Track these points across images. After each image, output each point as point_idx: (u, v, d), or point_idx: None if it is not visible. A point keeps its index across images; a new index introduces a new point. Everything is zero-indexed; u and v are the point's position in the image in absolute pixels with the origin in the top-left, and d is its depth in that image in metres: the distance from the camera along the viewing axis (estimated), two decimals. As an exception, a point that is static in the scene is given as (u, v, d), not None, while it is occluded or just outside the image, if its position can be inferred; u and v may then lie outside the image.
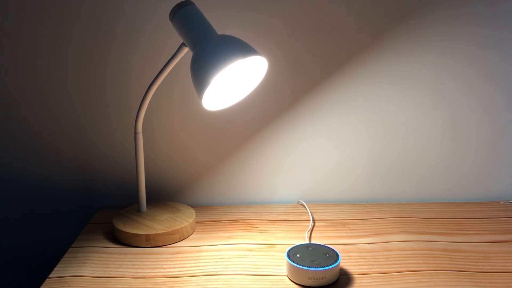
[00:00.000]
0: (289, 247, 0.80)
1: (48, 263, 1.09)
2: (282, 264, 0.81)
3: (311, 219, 0.98)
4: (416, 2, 0.94)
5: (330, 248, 0.80)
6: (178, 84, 0.98)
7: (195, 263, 0.82)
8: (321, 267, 0.75)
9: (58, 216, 1.06)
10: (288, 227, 0.95)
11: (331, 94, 0.99)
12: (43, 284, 0.77)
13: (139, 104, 0.89)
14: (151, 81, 0.87)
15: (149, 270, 0.80)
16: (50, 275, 0.79)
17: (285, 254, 0.79)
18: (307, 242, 0.88)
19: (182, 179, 1.04)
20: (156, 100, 0.98)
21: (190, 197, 1.06)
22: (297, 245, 0.81)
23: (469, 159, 1.03)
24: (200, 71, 0.73)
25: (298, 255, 0.78)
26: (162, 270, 0.80)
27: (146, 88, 0.87)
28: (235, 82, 0.82)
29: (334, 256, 0.78)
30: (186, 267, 0.81)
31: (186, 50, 0.81)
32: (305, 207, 1.03)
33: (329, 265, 0.75)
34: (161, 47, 0.95)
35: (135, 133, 0.90)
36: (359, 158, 1.03)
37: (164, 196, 1.05)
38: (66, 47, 0.96)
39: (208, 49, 0.74)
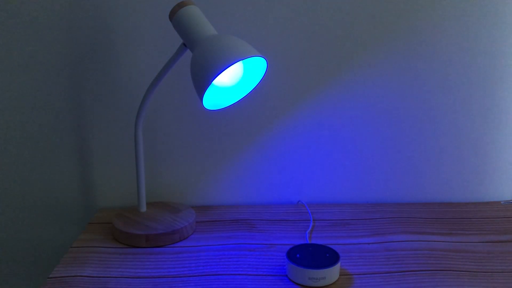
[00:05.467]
0: (289, 247, 0.80)
1: (48, 263, 1.09)
2: (282, 264, 0.81)
3: (311, 219, 0.98)
4: (419, 2, 0.94)
5: (330, 248, 0.80)
6: (178, 84, 0.98)
7: (195, 263, 0.82)
8: (321, 267, 0.75)
9: (58, 216, 1.06)
10: (288, 227, 0.95)
11: (331, 94, 0.99)
12: (43, 284, 0.77)
13: (139, 104, 0.89)
14: (151, 81, 0.87)
15: (149, 270, 0.80)
16: (50, 275, 0.79)
17: (285, 254, 0.79)
18: (307, 242, 0.88)
19: (182, 179, 1.04)
20: (156, 100, 0.99)
21: (190, 197, 1.05)
22: (297, 245, 0.81)
23: (469, 159, 1.03)
24: (200, 71, 0.74)
25: (298, 255, 0.78)
26: (162, 270, 0.80)
27: (146, 88, 0.87)
28: (235, 82, 0.82)
29: (334, 256, 0.78)
30: (186, 267, 0.81)
31: (186, 50, 0.81)
32: (305, 207, 1.03)
33: (329, 265, 0.75)
34: (161, 47, 0.95)
35: (135, 133, 0.90)
36: (359, 158, 1.03)
37: (164, 196, 1.05)
38: (66, 47, 0.96)
39: (208, 49, 0.74)
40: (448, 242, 0.88)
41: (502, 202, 1.05)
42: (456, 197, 1.06)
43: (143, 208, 0.96)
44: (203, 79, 0.73)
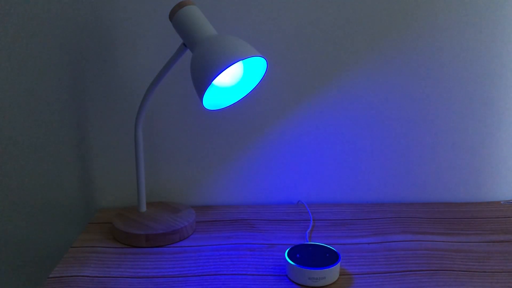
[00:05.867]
0: (289, 247, 0.80)
1: (48, 263, 1.09)
2: (282, 264, 0.81)
3: (311, 219, 0.98)
4: (419, 2, 0.94)
5: (330, 248, 0.80)
6: (178, 84, 0.98)
7: (195, 263, 0.82)
8: (321, 267, 0.75)
9: (58, 216, 1.06)
10: (288, 227, 0.95)
11: (331, 94, 0.99)
12: (43, 284, 0.76)
13: (139, 104, 0.89)
14: (151, 81, 0.87)
15: (149, 270, 0.80)
16: (50, 275, 0.79)
17: (285, 254, 0.79)
18: (307, 242, 0.88)
19: (182, 179, 1.04)
20: (156, 100, 0.99)
21: (190, 197, 1.06)
22: (297, 245, 0.81)
23: (469, 159, 1.03)
24: (200, 71, 0.74)
25: (298, 255, 0.78)
26: (162, 270, 0.80)
27: (146, 88, 0.87)
28: (235, 82, 0.82)
29: (334, 256, 0.78)
30: (186, 267, 0.81)
31: (186, 50, 0.81)
32: (305, 207, 1.03)
33: (329, 265, 0.75)
34: (161, 47, 0.95)
35: (135, 133, 0.90)
36: (359, 158, 1.03)
37: (164, 196, 1.05)
38: (66, 47, 0.96)
39: (208, 49, 0.74)
40: (448, 242, 0.88)
41: (502, 202, 1.05)
42: (456, 197, 1.06)
43: (143, 208, 0.96)
44: (203, 79, 0.73)
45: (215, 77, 0.72)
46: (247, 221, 0.97)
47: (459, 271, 0.79)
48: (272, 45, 0.96)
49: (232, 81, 0.81)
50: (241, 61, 0.75)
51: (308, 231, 0.93)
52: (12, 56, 0.96)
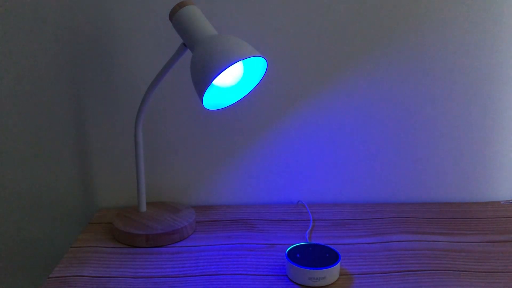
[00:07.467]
0: (289, 247, 0.80)
1: (48, 263, 1.09)
2: (282, 264, 0.81)
3: (311, 219, 0.98)
4: (419, 3, 0.94)
5: (330, 248, 0.80)
6: (178, 84, 0.98)
7: (195, 263, 0.82)
8: (321, 267, 0.75)
9: (58, 216, 1.06)
10: (288, 227, 0.95)
11: (331, 95, 0.99)
12: (43, 284, 0.77)
13: (139, 104, 0.89)
14: (151, 81, 0.87)
15: (149, 270, 0.80)
16: (50, 275, 0.79)
17: (285, 254, 0.79)
18: (307, 242, 0.88)
19: (182, 179, 1.04)
20: (156, 100, 0.99)
21: (190, 197, 1.06)
22: (297, 245, 0.81)
23: (469, 159, 1.04)
24: (200, 71, 0.74)
25: (298, 255, 0.78)
26: (162, 270, 0.80)
27: (146, 88, 0.87)
28: (235, 82, 0.82)
29: (334, 256, 0.78)
30: (186, 267, 0.81)
31: (186, 50, 0.81)
32: (305, 207, 1.03)
33: (329, 265, 0.75)
34: (161, 47, 0.95)
35: (135, 133, 0.90)
36: (359, 158, 1.03)
37: (164, 196, 1.05)
38: (66, 47, 0.96)
39: (208, 49, 0.74)
40: (448, 242, 0.88)
41: (502, 202, 1.05)
42: (456, 197, 1.06)
43: (143, 208, 0.96)
44: (203, 79, 0.73)
45: (215, 77, 0.72)
46: (247, 221, 0.97)
47: (459, 271, 0.79)
48: (272, 45, 0.96)
49: (232, 81, 0.81)
50: (241, 61, 0.75)
51: (308, 231, 0.93)
52: (12, 57, 0.96)
